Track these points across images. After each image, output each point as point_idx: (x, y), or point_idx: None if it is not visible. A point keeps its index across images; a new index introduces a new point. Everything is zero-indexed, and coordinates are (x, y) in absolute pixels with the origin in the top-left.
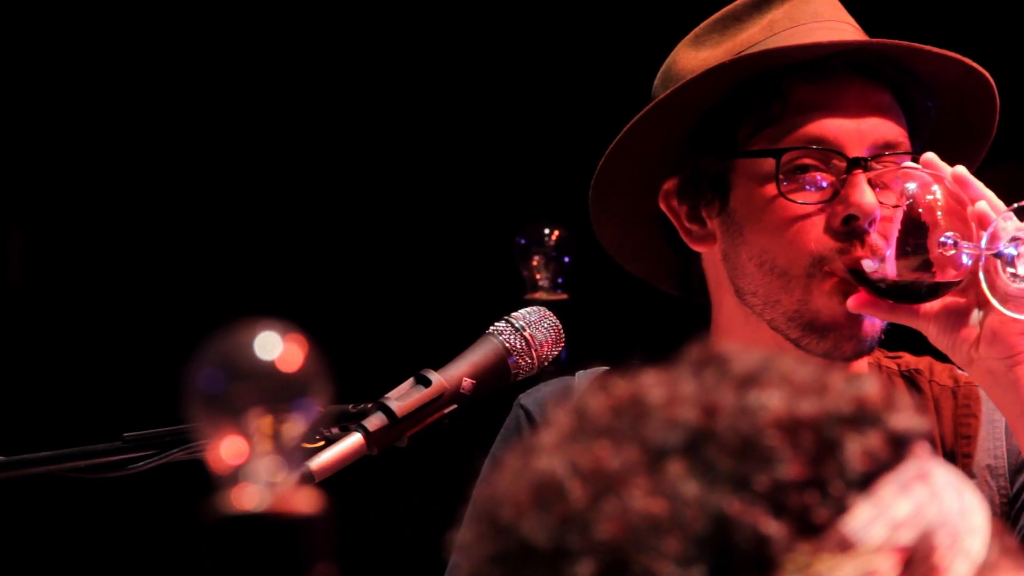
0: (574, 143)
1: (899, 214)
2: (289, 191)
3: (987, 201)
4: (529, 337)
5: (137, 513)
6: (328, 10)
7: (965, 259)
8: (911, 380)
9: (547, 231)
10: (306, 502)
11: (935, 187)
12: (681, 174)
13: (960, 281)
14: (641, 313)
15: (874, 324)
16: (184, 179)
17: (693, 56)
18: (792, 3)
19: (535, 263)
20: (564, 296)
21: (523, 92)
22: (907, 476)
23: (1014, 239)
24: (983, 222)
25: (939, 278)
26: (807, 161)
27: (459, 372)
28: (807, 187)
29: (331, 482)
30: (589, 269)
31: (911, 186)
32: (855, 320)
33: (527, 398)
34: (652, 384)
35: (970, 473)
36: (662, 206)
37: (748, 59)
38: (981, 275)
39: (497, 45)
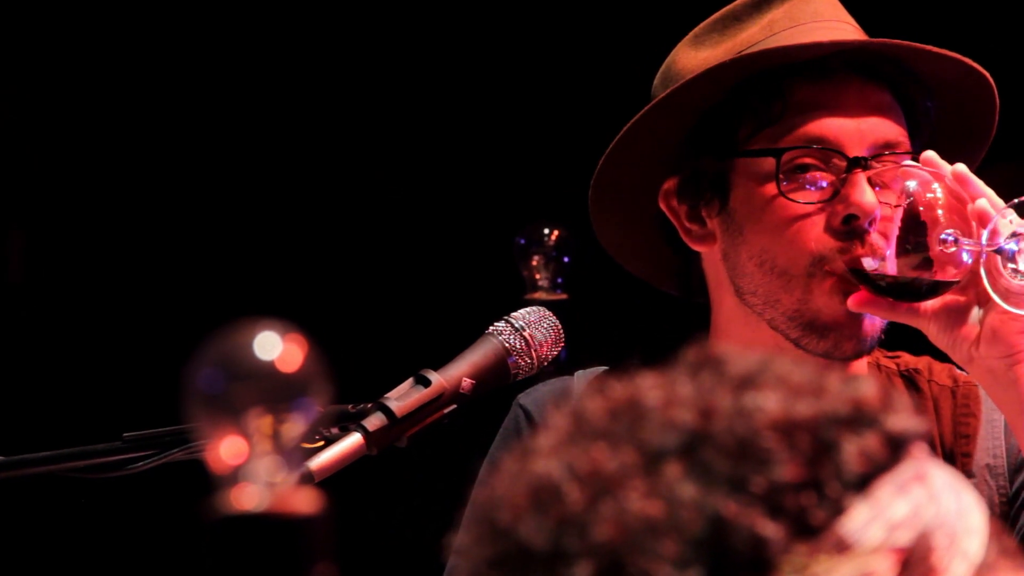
0: (574, 143)
1: (899, 212)
2: (289, 191)
3: (987, 199)
4: (529, 337)
5: (137, 513)
6: (328, 10)
7: (965, 256)
8: (910, 380)
9: (547, 231)
10: (306, 502)
11: (935, 185)
12: (681, 174)
13: (960, 280)
14: (641, 313)
15: (874, 323)
16: (184, 179)
17: (693, 56)
18: (792, 3)
19: (535, 263)
20: (564, 296)
21: (523, 92)
22: (904, 477)
23: (1014, 235)
24: (983, 219)
25: (939, 276)
26: (807, 161)
27: (459, 372)
28: (807, 186)
29: (331, 482)
30: (589, 269)
31: (911, 184)
32: (855, 319)
33: (526, 398)
34: (649, 386)
35: (969, 472)
36: (662, 206)
37: (748, 58)
38: (982, 271)
39: (497, 45)
